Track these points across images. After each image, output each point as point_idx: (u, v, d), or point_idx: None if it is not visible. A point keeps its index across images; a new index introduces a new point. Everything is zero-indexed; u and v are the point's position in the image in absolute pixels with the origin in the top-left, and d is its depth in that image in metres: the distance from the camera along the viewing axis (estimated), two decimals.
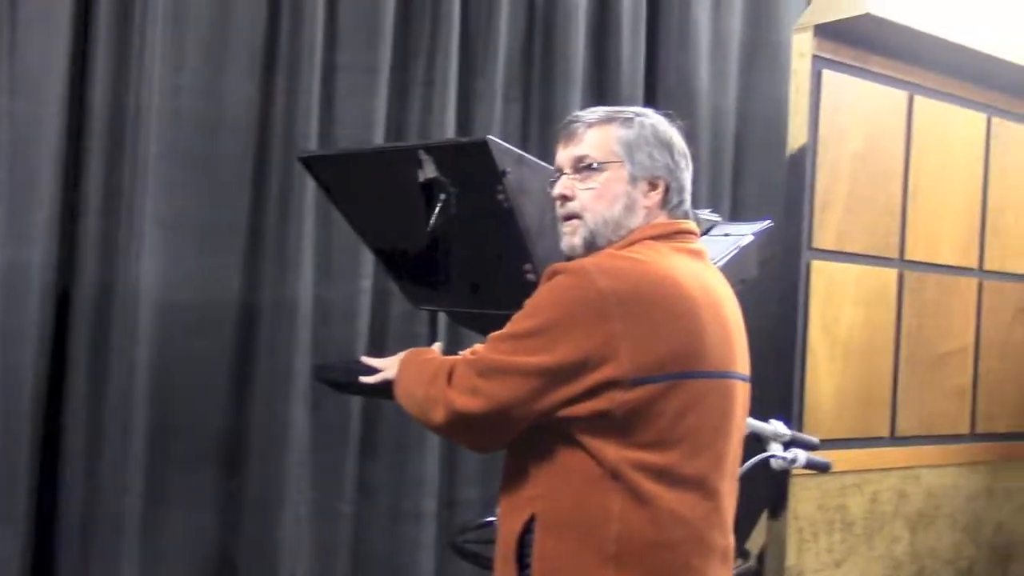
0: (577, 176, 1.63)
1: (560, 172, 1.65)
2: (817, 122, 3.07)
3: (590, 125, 1.64)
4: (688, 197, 1.66)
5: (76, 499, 2.59)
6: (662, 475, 1.49)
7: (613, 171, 1.60)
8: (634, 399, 1.47)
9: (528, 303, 1.57)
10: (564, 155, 1.65)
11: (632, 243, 1.59)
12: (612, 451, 1.48)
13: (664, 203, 1.62)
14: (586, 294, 1.47)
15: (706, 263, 1.64)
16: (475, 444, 1.65)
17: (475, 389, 1.53)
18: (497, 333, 1.58)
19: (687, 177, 1.65)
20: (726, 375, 1.57)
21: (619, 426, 1.48)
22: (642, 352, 1.47)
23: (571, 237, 1.63)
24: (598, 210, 1.60)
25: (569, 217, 1.63)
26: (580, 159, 1.62)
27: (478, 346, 1.61)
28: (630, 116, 1.64)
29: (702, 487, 1.53)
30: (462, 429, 1.59)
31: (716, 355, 1.54)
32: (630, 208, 1.60)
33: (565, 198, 1.63)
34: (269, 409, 2.85)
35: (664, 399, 1.48)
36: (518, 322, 1.55)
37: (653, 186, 1.61)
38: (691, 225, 1.65)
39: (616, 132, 1.62)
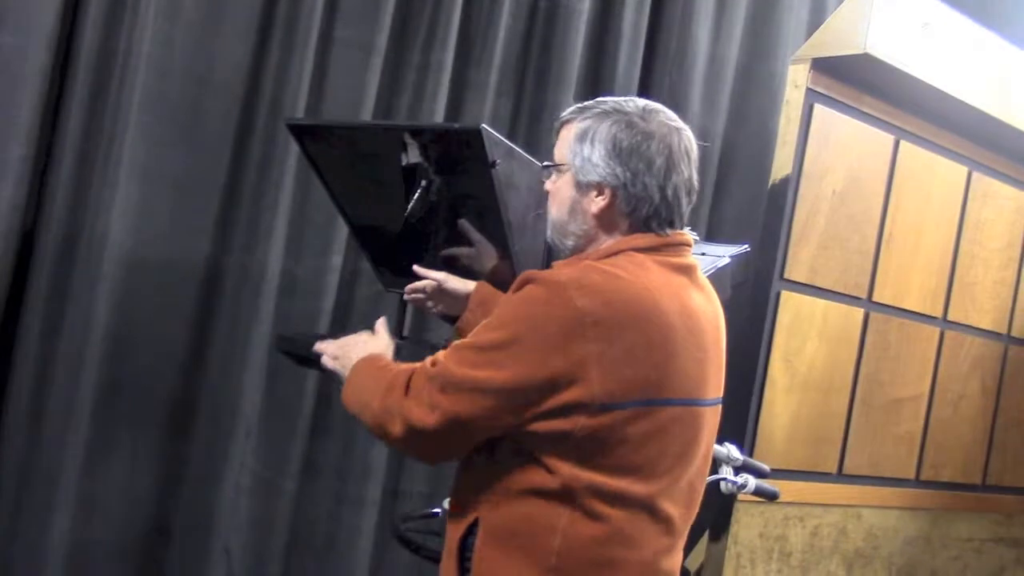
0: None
1: None
2: (803, 155, 3.09)
3: (563, 123, 1.60)
4: (658, 206, 1.53)
5: (16, 445, 2.54)
6: (615, 497, 1.45)
7: (564, 173, 1.57)
8: (597, 424, 1.41)
9: (497, 312, 1.50)
10: None
11: (615, 252, 1.52)
12: (566, 469, 1.44)
13: (613, 211, 1.53)
14: (560, 312, 1.40)
15: (693, 279, 1.57)
16: (431, 458, 1.61)
17: (433, 404, 1.46)
18: (461, 342, 1.52)
19: (652, 184, 1.52)
20: (695, 402, 1.51)
21: (578, 448, 1.43)
22: (612, 378, 1.40)
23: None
24: (552, 213, 1.60)
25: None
26: (552, 158, 1.61)
27: (440, 354, 1.54)
28: (591, 114, 1.55)
29: (654, 511, 1.49)
30: (419, 444, 1.52)
31: (687, 381, 1.49)
32: (574, 213, 1.56)
33: (548, 194, 1.63)
34: (222, 376, 2.81)
35: (628, 426, 1.43)
36: (485, 332, 1.48)
37: (600, 192, 1.53)
38: (683, 237, 1.58)
39: (572, 132, 1.56)
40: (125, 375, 2.70)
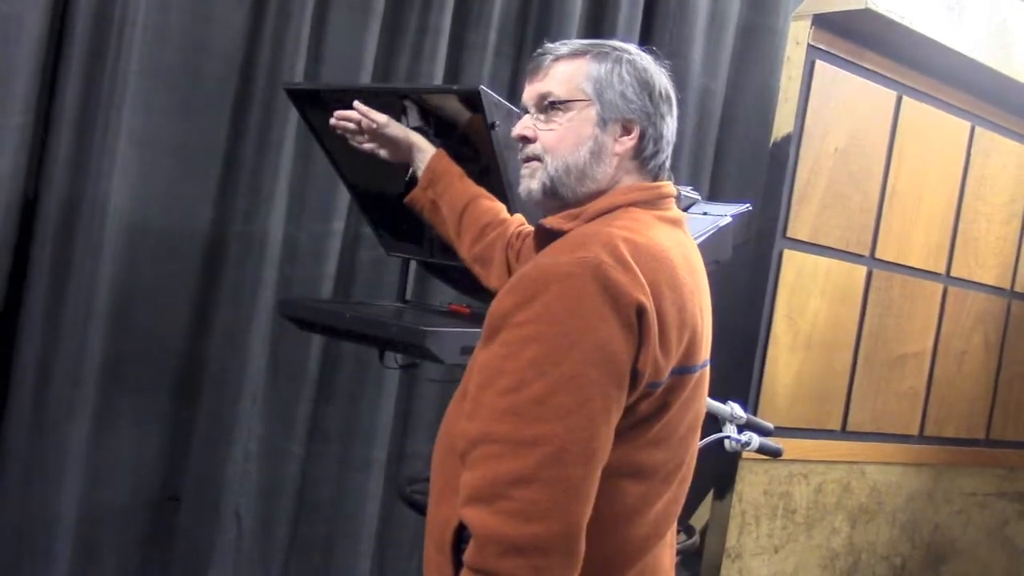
0: (540, 116, 1.43)
1: (524, 111, 1.46)
2: (804, 112, 3.07)
3: (558, 58, 1.43)
4: (667, 148, 1.45)
5: (23, 416, 2.54)
6: (634, 474, 1.32)
7: (579, 111, 1.40)
8: (639, 402, 1.27)
9: (537, 331, 1.21)
10: (529, 91, 1.45)
11: (612, 208, 1.39)
12: None
13: (638, 151, 1.42)
14: (604, 299, 1.21)
15: (685, 232, 1.46)
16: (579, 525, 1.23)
17: (531, 501, 1.17)
18: (507, 403, 1.20)
19: (668, 125, 1.44)
20: (705, 364, 1.42)
21: (615, 431, 1.26)
22: (659, 354, 1.26)
23: (528, 180, 1.44)
24: (560, 154, 1.41)
25: (528, 160, 1.44)
26: (544, 96, 1.42)
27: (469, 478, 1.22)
28: (605, 50, 1.43)
29: (668, 481, 1.37)
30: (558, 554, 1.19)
31: (703, 344, 1.38)
32: (597, 154, 1.40)
33: (525, 139, 1.45)
34: (228, 343, 2.82)
35: (663, 398, 1.30)
36: (534, 381, 1.19)
37: (626, 131, 1.41)
38: (670, 188, 1.45)
39: (586, 67, 1.41)
40: (131, 343, 2.71)
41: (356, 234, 3.00)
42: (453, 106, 1.97)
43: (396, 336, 1.98)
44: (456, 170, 1.91)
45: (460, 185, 1.89)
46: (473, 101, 1.84)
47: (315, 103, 2.20)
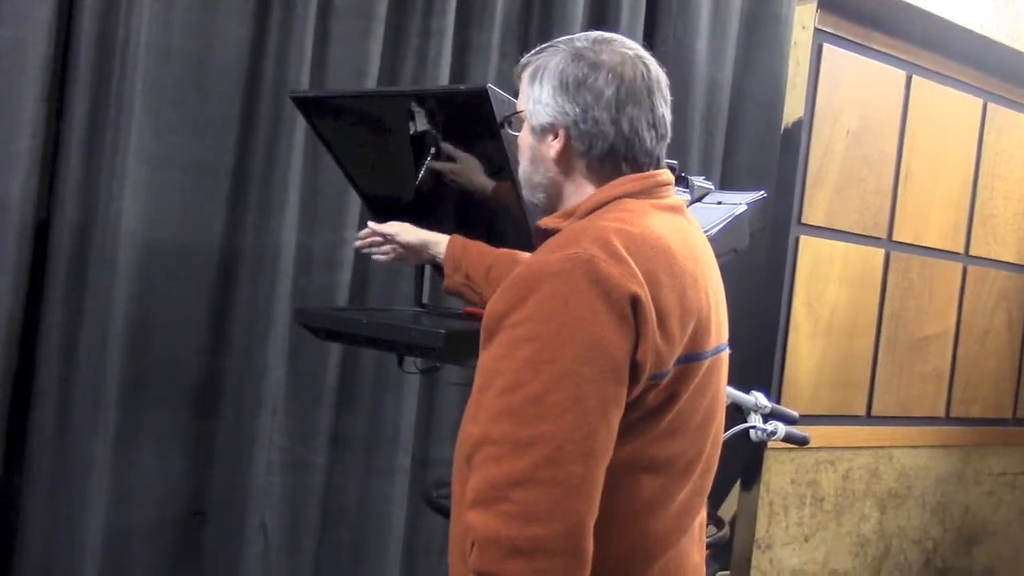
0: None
1: None
2: (814, 97, 3.06)
3: (522, 67, 1.46)
4: (614, 142, 1.37)
5: (45, 437, 2.54)
6: (650, 468, 1.30)
7: (524, 122, 1.43)
8: (645, 395, 1.25)
9: (530, 331, 1.19)
10: None
11: (604, 203, 1.36)
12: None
13: (570, 152, 1.38)
14: (596, 293, 1.19)
15: (686, 218, 1.43)
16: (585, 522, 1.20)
17: (530, 503, 1.15)
18: (504, 404, 1.18)
19: (604, 117, 1.35)
20: (718, 350, 1.39)
21: (622, 423, 1.24)
22: (660, 345, 1.23)
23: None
24: (521, 167, 1.46)
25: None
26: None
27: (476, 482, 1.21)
28: (542, 56, 1.41)
29: (687, 473, 1.35)
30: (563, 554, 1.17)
31: (712, 330, 1.35)
32: (535, 163, 1.42)
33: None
34: (245, 355, 2.81)
35: (670, 388, 1.28)
36: (530, 382, 1.17)
37: (555, 134, 1.38)
38: (666, 175, 1.42)
39: (526, 78, 1.43)
40: (149, 360, 2.71)
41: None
42: (461, 107, 1.96)
43: (414, 340, 1.97)
44: (474, 246, 1.95)
45: (478, 256, 1.93)
46: (480, 100, 1.83)
47: (322, 110, 2.20)
